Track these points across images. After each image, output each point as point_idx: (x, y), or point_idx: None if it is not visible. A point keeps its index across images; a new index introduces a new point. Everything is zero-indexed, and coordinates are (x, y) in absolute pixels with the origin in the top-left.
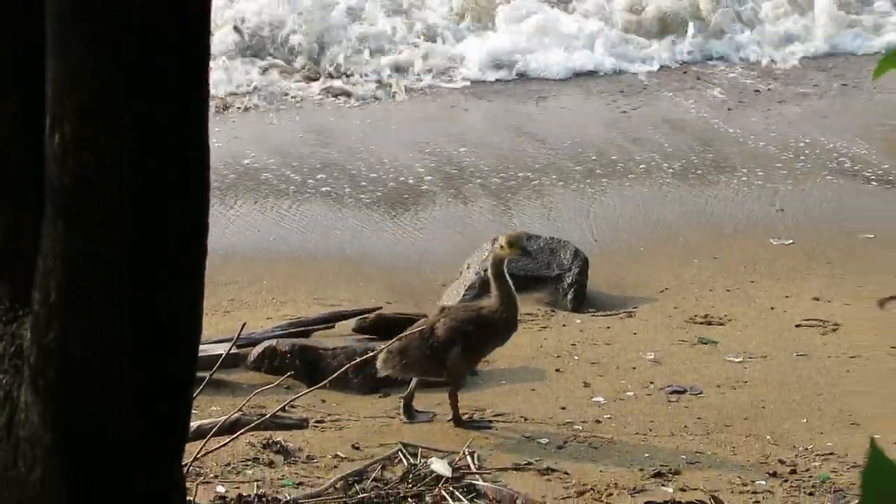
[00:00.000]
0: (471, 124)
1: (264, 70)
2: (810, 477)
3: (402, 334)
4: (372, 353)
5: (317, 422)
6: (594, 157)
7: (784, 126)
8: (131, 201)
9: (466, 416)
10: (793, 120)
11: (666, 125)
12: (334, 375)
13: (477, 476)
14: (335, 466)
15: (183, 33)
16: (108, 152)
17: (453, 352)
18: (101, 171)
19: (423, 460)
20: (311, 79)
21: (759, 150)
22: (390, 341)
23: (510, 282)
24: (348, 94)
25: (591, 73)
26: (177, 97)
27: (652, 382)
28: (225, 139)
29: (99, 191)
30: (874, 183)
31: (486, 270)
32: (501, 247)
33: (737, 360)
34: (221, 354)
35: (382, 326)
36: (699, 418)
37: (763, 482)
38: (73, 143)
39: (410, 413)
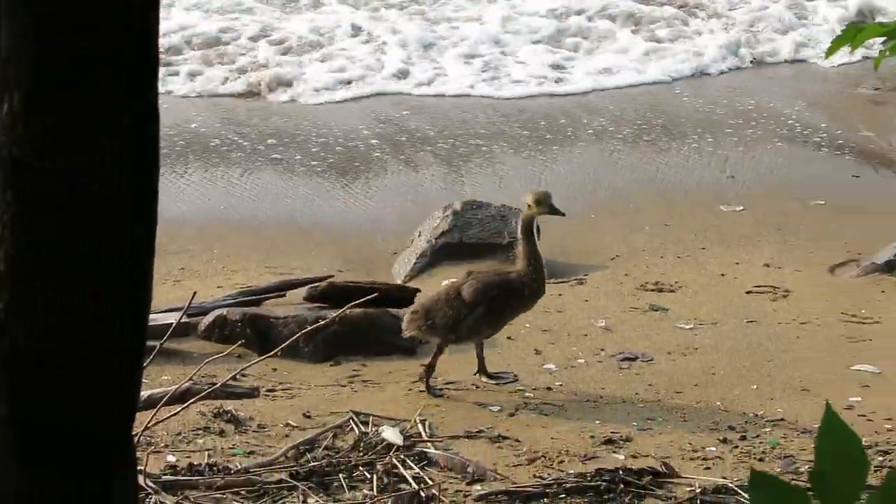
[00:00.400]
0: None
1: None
2: (760, 443)
3: (429, 296)
4: (323, 322)
5: (268, 391)
6: (544, 124)
7: (733, 92)
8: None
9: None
10: (741, 86)
11: (618, 92)
12: (285, 344)
13: (428, 444)
14: (286, 435)
15: None
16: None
17: (476, 312)
18: (49, 140)
19: (374, 429)
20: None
21: (710, 116)
22: (415, 305)
23: (538, 244)
24: None
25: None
26: (128, 68)
27: (603, 349)
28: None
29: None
30: (825, 149)
31: (436, 239)
32: (529, 206)
33: (687, 326)
34: (172, 324)
35: (334, 295)
36: (650, 385)
37: (713, 448)
38: (22, 112)
39: (432, 391)
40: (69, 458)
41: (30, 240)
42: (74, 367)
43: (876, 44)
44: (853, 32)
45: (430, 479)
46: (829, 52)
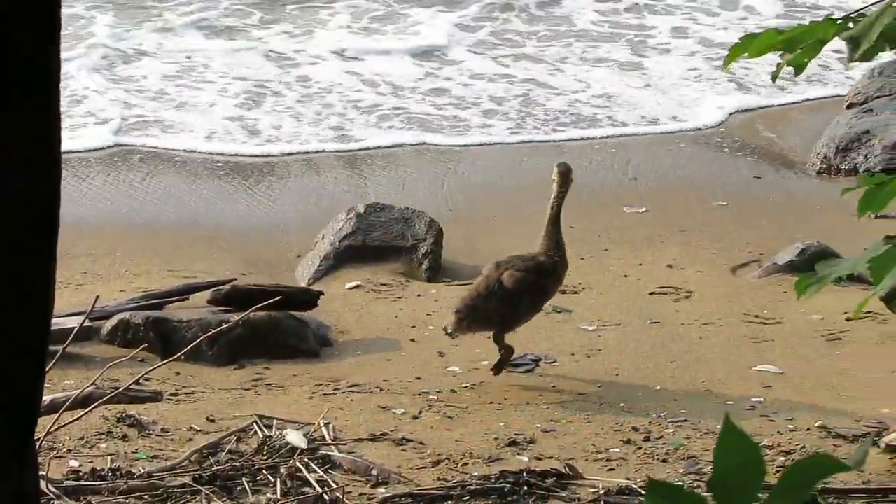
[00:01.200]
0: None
1: None
2: (664, 444)
3: (464, 295)
4: (227, 326)
5: (171, 394)
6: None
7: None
8: None
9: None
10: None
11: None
12: (189, 348)
13: (332, 447)
14: (190, 439)
15: None
16: None
17: (524, 300)
18: None
19: (278, 432)
20: None
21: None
22: (457, 304)
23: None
24: None
25: None
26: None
27: None
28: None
29: None
30: (726, 150)
31: (340, 241)
32: (555, 180)
33: (591, 328)
34: (74, 328)
35: (237, 298)
36: (553, 387)
37: (617, 449)
38: None
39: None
40: None
41: None
42: None
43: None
44: (749, 41)
45: (334, 482)
46: (727, 61)
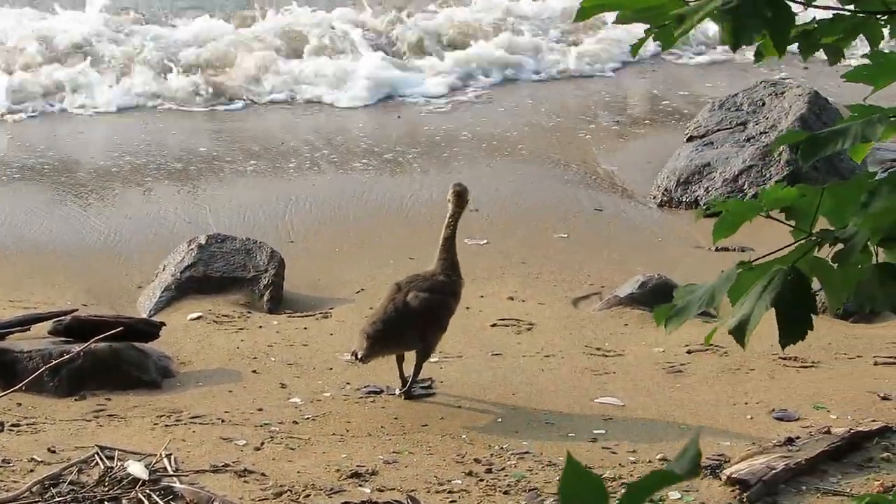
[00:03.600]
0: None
1: None
2: (506, 475)
3: (373, 318)
4: (68, 356)
5: (12, 425)
6: (290, 156)
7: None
8: None
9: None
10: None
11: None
12: (30, 378)
13: (174, 478)
14: (31, 470)
15: None
16: None
17: (432, 318)
18: None
19: (119, 463)
20: None
21: (454, 143)
22: (365, 325)
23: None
24: None
25: None
26: None
27: (349, 383)
28: None
29: None
30: (568, 183)
31: (181, 272)
32: (450, 201)
33: (433, 360)
34: None
35: (78, 329)
36: (396, 418)
37: (459, 481)
38: None
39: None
40: None
41: None
42: None
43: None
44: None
45: None
46: (578, 17)
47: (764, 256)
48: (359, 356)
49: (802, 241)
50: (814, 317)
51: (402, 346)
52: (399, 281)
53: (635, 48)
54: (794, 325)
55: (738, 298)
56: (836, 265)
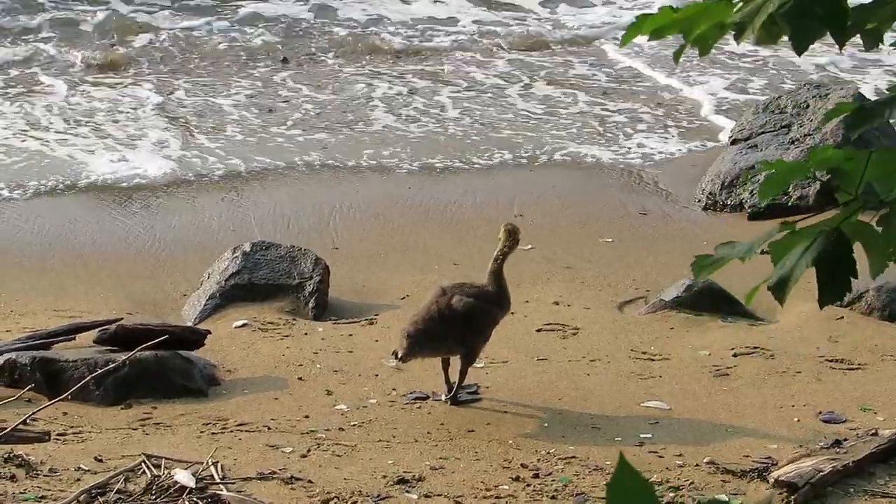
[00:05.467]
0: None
1: None
2: (553, 480)
3: (415, 318)
4: (114, 365)
5: (59, 434)
6: (332, 162)
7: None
8: None
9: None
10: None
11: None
12: (76, 387)
13: (221, 486)
14: (78, 479)
15: None
16: None
17: (475, 324)
18: None
19: (166, 471)
20: None
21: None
22: (407, 329)
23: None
24: None
25: None
26: None
27: (394, 389)
28: None
29: None
30: (613, 188)
31: (226, 280)
32: (500, 239)
33: (479, 365)
34: None
35: (124, 337)
36: (442, 424)
37: (506, 486)
38: None
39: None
40: None
41: None
42: None
43: None
44: (643, 20)
45: None
46: (624, 40)
47: (806, 217)
48: (399, 355)
49: (847, 204)
50: (861, 317)
51: (442, 349)
52: (445, 285)
53: (677, 55)
54: (833, 285)
55: (778, 255)
56: (880, 229)
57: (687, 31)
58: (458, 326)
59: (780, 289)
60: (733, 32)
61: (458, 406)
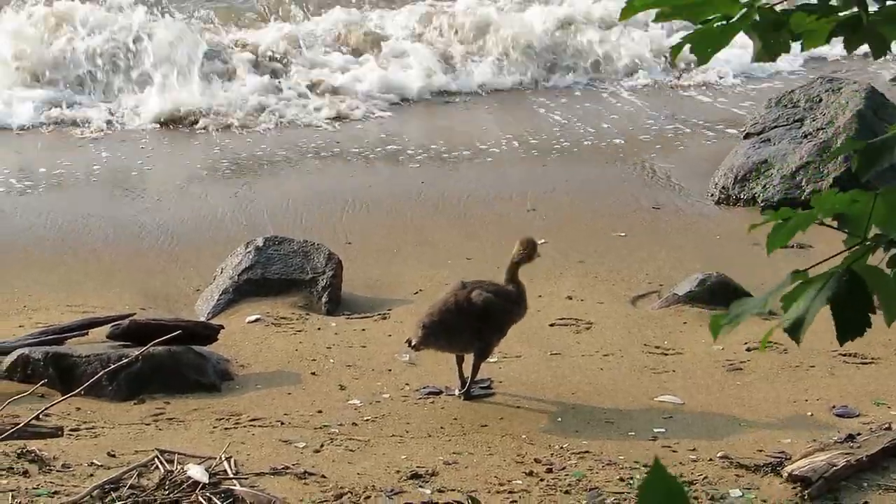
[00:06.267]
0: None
1: None
2: (566, 475)
3: (432, 309)
4: (126, 360)
5: (72, 430)
6: (345, 157)
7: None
8: None
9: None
10: (534, 117)
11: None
12: (89, 383)
13: (234, 481)
14: (91, 475)
15: None
16: None
17: (493, 320)
18: None
19: (179, 466)
20: None
21: (511, 147)
22: (423, 319)
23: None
24: None
25: None
26: None
27: (408, 384)
28: None
29: None
30: (625, 183)
31: (239, 275)
32: (517, 250)
33: (492, 360)
34: None
35: (136, 333)
36: (455, 419)
37: (520, 481)
38: None
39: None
40: None
41: None
42: None
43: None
44: None
45: None
46: (623, 15)
47: (817, 264)
48: (412, 343)
49: (856, 247)
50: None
51: (456, 342)
52: (465, 280)
53: (674, 53)
54: (851, 324)
55: (790, 306)
56: (891, 272)
57: (693, 20)
58: (475, 321)
59: (795, 330)
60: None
61: (471, 401)
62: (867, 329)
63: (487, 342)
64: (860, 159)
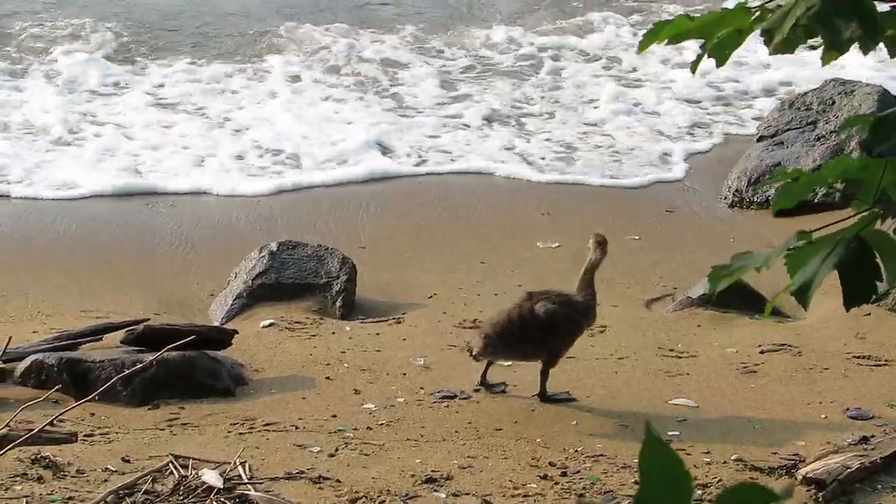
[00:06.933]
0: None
1: None
2: (581, 479)
3: (495, 318)
4: (141, 366)
5: (86, 435)
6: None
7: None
8: None
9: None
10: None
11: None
12: (103, 388)
13: (249, 486)
14: (106, 480)
15: None
16: None
17: (556, 334)
18: None
19: (194, 472)
20: None
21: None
22: (485, 329)
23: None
24: None
25: None
26: None
27: (422, 388)
28: None
29: None
30: (639, 187)
31: (253, 279)
32: (590, 248)
33: (506, 363)
34: None
35: (151, 338)
36: (470, 423)
37: (534, 485)
38: None
39: (488, 385)
40: None
41: None
42: None
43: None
44: (661, 27)
45: None
46: (641, 46)
47: (823, 227)
48: (473, 353)
49: (864, 213)
50: (888, 313)
51: (518, 353)
52: (533, 291)
53: (694, 66)
54: (858, 289)
55: (796, 268)
56: None
57: (707, 38)
58: (538, 332)
59: (803, 293)
60: (761, 38)
61: (548, 403)
62: (874, 295)
63: (553, 353)
64: (871, 133)
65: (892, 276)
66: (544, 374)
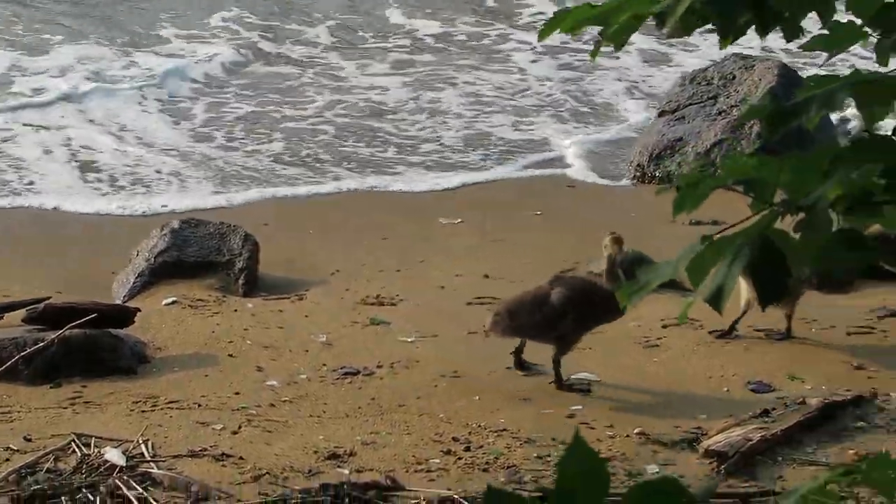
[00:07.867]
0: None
1: None
2: (484, 453)
3: (508, 299)
4: (42, 344)
5: None
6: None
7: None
8: None
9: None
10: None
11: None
12: (4, 367)
13: (151, 464)
14: (7, 459)
15: None
16: None
17: (565, 322)
18: None
19: (96, 450)
20: None
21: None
22: (498, 306)
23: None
24: None
25: None
26: None
27: (325, 365)
28: None
29: None
30: (541, 164)
31: (155, 257)
32: (606, 247)
33: (409, 339)
34: None
35: (52, 316)
36: (373, 399)
37: (437, 460)
38: None
39: (523, 365)
40: None
41: None
42: None
43: None
44: (563, 15)
45: (154, 499)
46: (541, 35)
47: (724, 230)
48: (485, 328)
49: (765, 213)
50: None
51: (526, 334)
52: (563, 273)
53: (593, 53)
54: (771, 287)
55: (699, 272)
56: (797, 235)
57: (605, 25)
58: (551, 317)
59: (717, 300)
60: (654, 23)
61: (564, 390)
62: (786, 291)
63: (566, 339)
64: (768, 120)
65: (797, 270)
66: (557, 362)
